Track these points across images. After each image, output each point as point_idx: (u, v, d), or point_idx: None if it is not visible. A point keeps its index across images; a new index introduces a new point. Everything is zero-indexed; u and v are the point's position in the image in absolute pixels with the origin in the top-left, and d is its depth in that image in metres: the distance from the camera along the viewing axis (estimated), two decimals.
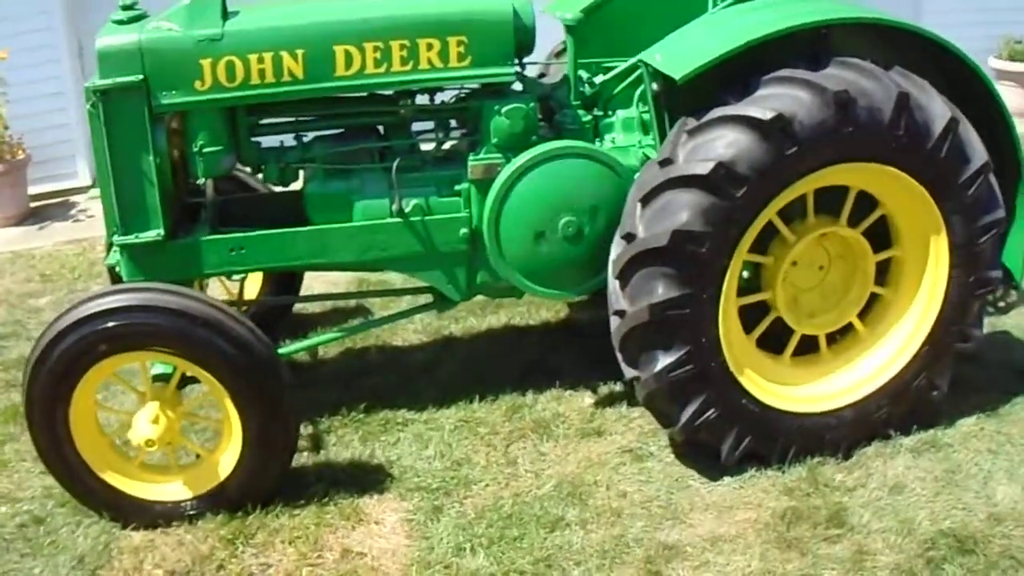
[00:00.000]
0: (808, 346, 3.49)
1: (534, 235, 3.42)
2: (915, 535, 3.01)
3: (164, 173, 3.29)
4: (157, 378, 3.17)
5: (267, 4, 3.52)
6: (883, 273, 3.47)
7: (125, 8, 3.28)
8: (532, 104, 3.46)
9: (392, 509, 3.26)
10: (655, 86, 3.28)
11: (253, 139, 3.49)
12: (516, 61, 3.44)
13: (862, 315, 3.49)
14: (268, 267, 3.68)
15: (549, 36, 3.87)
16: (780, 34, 3.06)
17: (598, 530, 3.12)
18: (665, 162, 3.10)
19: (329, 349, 4.30)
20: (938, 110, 3.11)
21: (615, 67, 3.72)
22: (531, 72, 3.88)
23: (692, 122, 3.12)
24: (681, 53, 3.17)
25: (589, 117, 3.68)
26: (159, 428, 3.06)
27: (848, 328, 3.51)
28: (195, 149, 3.32)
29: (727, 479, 3.31)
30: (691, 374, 3.16)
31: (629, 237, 3.14)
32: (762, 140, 2.99)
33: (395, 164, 3.40)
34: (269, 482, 3.20)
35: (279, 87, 3.26)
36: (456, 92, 3.64)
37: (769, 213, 3.16)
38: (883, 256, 3.42)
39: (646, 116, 3.61)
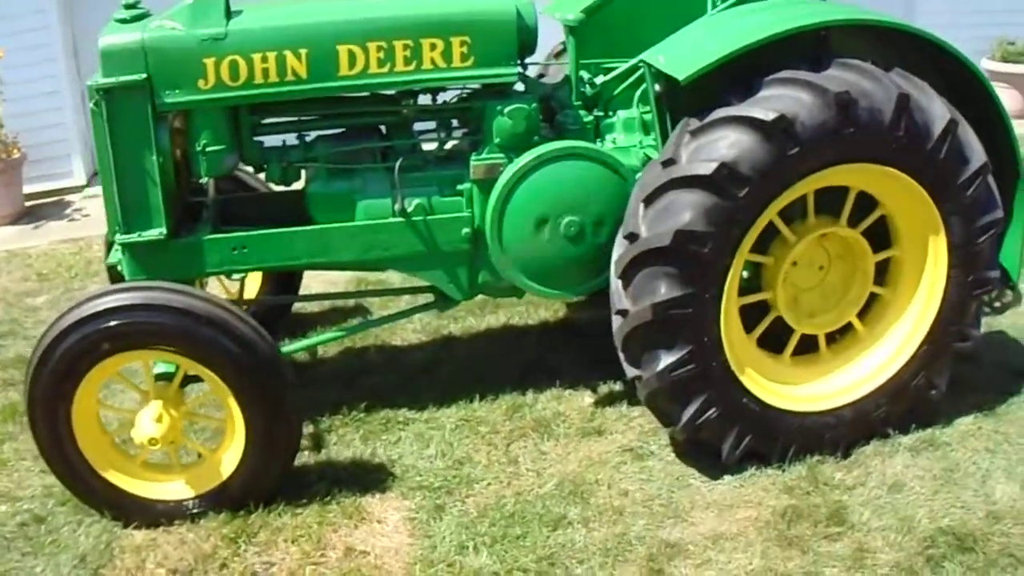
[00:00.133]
0: (808, 345, 3.52)
1: (536, 235, 3.44)
2: (915, 533, 3.03)
3: (167, 172, 3.29)
4: (160, 377, 3.17)
5: (270, 3, 3.52)
6: (882, 273, 3.49)
7: (128, 7, 3.27)
8: (534, 104, 3.47)
9: (394, 508, 3.27)
10: (657, 87, 3.30)
11: (256, 138, 3.50)
12: (518, 62, 3.45)
13: (861, 315, 3.51)
14: (270, 266, 3.68)
15: (547, 37, 3.88)
16: (782, 36, 3.08)
17: (600, 528, 3.13)
18: (668, 162, 3.12)
19: (328, 349, 4.31)
20: (938, 111, 3.14)
21: (615, 68, 3.74)
22: (530, 73, 3.89)
23: (695, 123, 3.13)
24: (684, 54, 3.19)
25: (590, 117, 3.70)
26: (162, 427, 3.06)
27: (847, 328, 3.53)
28: (198, 148, 3.33)
29: (728, 478, 3.33)
30: (693, 373, 3.18)
31: (632, 237, 3.16)
32: (764, 141, 3.01)
33: (397, 164, 3.41)
34: (272, 481, 3.20)
35: (282, 86, 3.27)
36: (458, 92, 3.65)
37: (770, 213, 3.18)
38: (882, 256, 3.45)
39: (647, 117, 3.63)
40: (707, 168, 3.01)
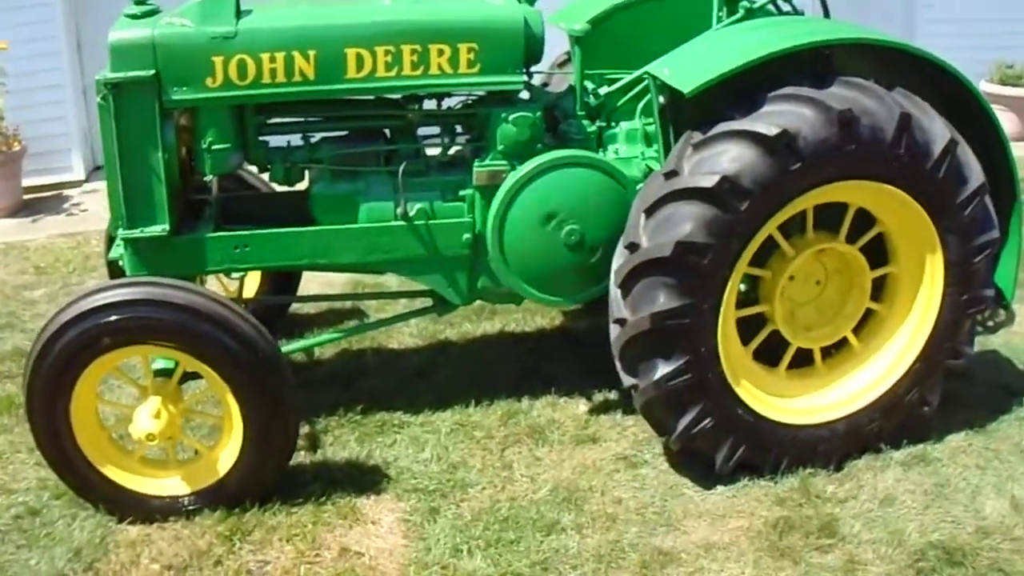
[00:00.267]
0: (803, 359, 3.55)
1: (536, 242, 3.46)
2: (905, 546, 3.06)
3: (171, 168, 3.30)
4: (159, 373, 3.18)
5: (280, 4, 3.54)
6: (879, 289, 3.53)
7: (139, 2, 3.29)
8: (538, 113, 3.50)
9: (389, 509, 3.29)
10: (661, 99, 3.33)
11: (261, 138, 3.51)
12: (524, 70, 3.48)
13: (857, 330, 3.55)
14: (271, 266, 3.69)
15: (551, 47, 3.91)
16: (786, 52, 3.11)
17: (594, 535, 3.15)
18: (670, 174, 3.15)
19: (325, 350, 4.32)
20: (938, 131, 3.18)
21: (619, 79, 3.77)
22: (534, 81, 3.92)
23: (698, 136, 3.16)
24: (689, 68, 3.22)
25: (593, 128, 3.73)
26: (161, 423, 3.06)
27: (843, 342, 3.56)
28: (203, 146, 3.34)
29: (720, 488, 3.36)
30: (689, 383, 3.20)
31: (632, 247, 3.18)
32: (767, 155, 3.04)
33: (401, 168, 3.42)
34: (268, 479, 3.21)
35: (289, 87, 3.29)
36: (463, 98, 3.67)
37: (770, 227, 3.21)
38: (879, 273, 3.48)
39: (649, 128, 3.66)
40: (709, 181, 3.04)
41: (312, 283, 4.83)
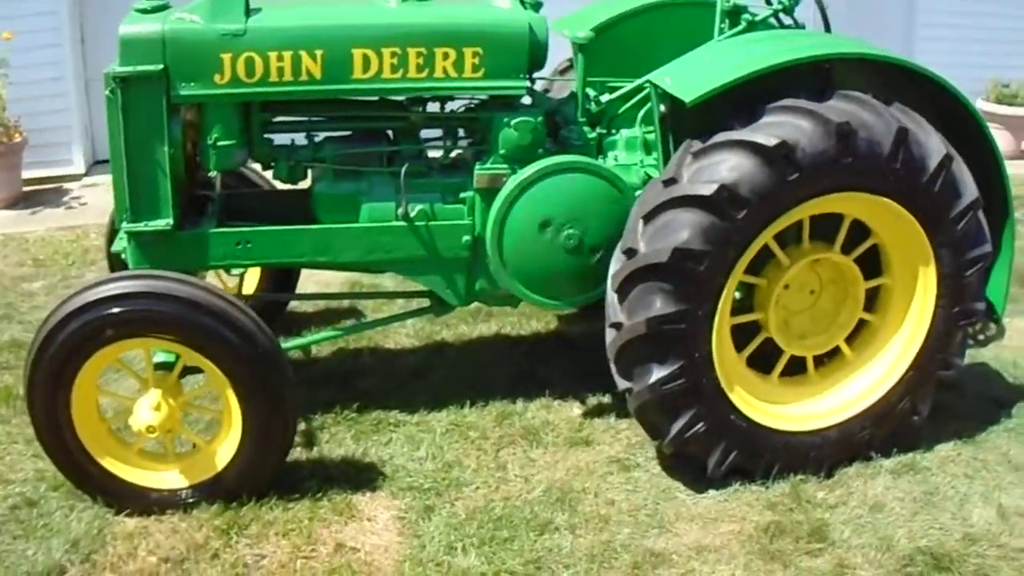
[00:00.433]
0: (796, 367, 3.59)
1: (535, 245, 3.49)
2: (894, 552, 3.11)
3: (177, 163, 3.33)
4: (159, 367, 3.20)
5: (289, 3, 3.58)
6: (872, 300, 3.58)
7: None
8: (540, 118, 3.53)
9: (384, 507, 3.32)
10: (662, 107, 3.37)
11: (266, 135, 3.54)
12: (528, 75, 3.52)
13: (850, 339, 3.59)
14: (272, 263, 3.71)
15: (553, 53, 3.95)
16: (788, 65, 3.16)
17: (586, 535, 3.19)
18: (669, 181, 3.19)
19: (322, 349, 4.35)
20: (934, 146, 3.23)
21: (620, 87, 3.82)
22: (537, 87, 3.96)
23: (697, 144, 3.21)
24: (691, 77, 3.27)
25: (594, 134, 3.77)
26: (161, 415, 3.08)
27: (836, 351, 3.61)
28: (209, 142, 3.37)
29: (712, 492, 3.40)
30: (683, 388, 3.24)
31: (630, 252, 3.22)
32: (765, 165, 3.09)
33: (403, 169, 3.46)
34: (266, 474, 3.23)
35: (296, 86, 3.32)
36: (467, 102, 3.71)
37: (766, 236, 3.26)
38: (873, 283, 3.53)
39: (649, 136, 3.71)
40: (708, 189, 3.09)
41: (309, 282, 4.86)
